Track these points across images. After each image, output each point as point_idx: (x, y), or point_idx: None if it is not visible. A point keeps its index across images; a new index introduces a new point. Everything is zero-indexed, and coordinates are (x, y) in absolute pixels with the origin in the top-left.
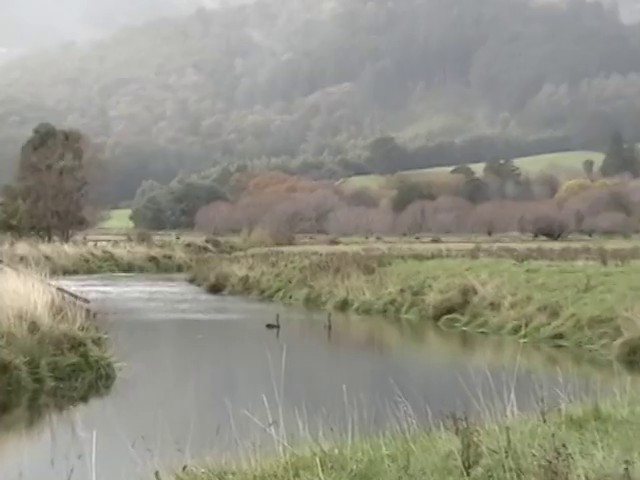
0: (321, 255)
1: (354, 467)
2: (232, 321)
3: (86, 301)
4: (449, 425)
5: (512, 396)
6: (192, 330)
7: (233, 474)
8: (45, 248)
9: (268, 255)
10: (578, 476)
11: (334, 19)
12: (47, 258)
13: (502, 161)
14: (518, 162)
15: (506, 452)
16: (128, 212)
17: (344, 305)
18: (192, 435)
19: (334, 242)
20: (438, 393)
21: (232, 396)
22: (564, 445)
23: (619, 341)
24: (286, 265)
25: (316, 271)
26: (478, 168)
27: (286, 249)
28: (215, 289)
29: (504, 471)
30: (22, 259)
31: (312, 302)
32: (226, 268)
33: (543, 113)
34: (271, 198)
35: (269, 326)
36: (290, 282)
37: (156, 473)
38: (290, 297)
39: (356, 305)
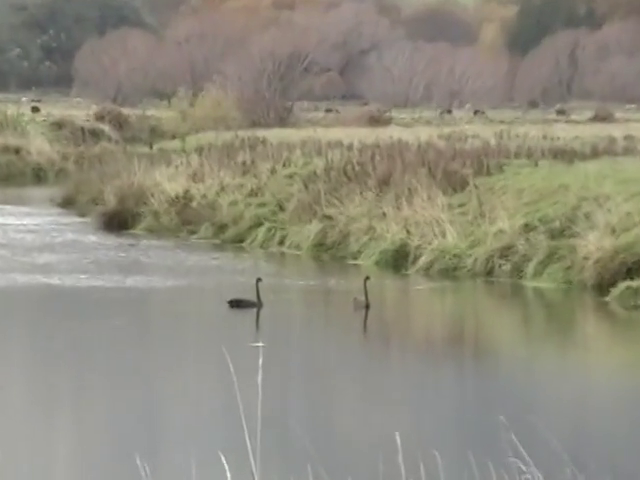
0: (350, 149)
1: None
2: (156, 292)
3: None
4: None
5: None
6: (68, 311)
7: None
8: None
9: (235, 149)
10: None
11: None
12: None
13: None
14: None
15: None
16: None
17: (399, 259)
18: None
19: (378, 121)
20: (613, 452)
21: (153, 455)
22: None
23: None
24: (274, 171)
25: (339, 185)
26: None
27: (274, 135)
28: (118, 222)
29: None
30: None
31: (329, 252)
32: (143, 177)
33: None
34: (240, 22)
35: (235, 304)
36: (281, 208)
37: None
38: (282, 241)
39: (425, 259)
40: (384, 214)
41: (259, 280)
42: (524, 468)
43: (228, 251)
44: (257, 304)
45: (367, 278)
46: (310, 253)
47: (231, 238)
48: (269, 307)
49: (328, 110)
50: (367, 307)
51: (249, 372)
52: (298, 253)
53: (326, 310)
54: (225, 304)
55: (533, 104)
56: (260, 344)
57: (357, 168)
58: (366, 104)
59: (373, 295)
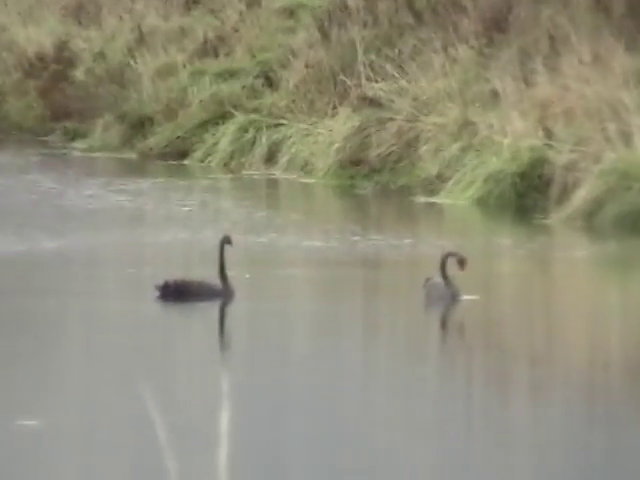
0: None
1: None
2: None
3: None
4: None
5: None
6: None
7: None
8: None
9: None
10: None
11: None
12: None
13: None
14: None
15: None
16: None
17: (528, 191)
18: None
19: None
20: None
21: None
22: None
23: None
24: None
25: (396, 30)
26: None
27: None
28: None
29: None
30: None
31: (374, 178)
32: None
33: None
34: None
35: (174, 292)
36: (270, 83)
37: None
38: (272, 155)
39: (586, 193)
40: (495, 94)
41: (226, 241)
42: None
43: (155, 175)
44: (221, 292)
45: (447, 255)
46: (333, 180)
47: (161, 148)
48: (246, 298)
49: None
50: (455, 298)
51: (199, 444)
52: (307, 181)
53: (365, 304)
54: (152, 291)
55: None
56: (224, 387)
57: None
58: None
59: (469, 271)
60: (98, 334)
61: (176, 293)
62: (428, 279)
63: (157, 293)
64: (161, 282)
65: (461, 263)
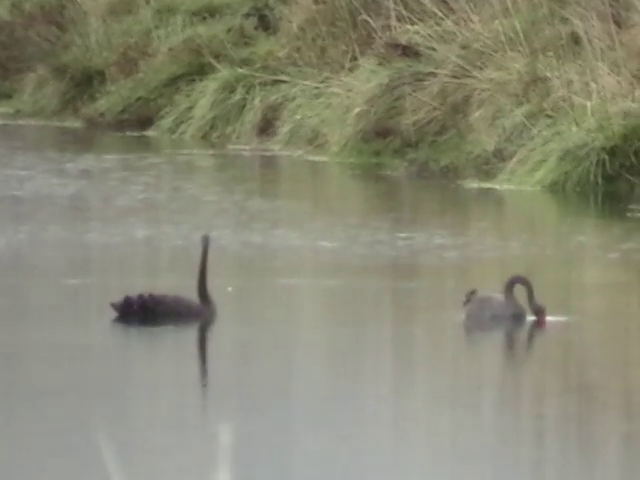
0: None
1: None
2: None
3: None
4: None
5: None
6: None
7: None
8: None
9: None
10: None
11: None
12: None
13: None
14: None
15: None
16: None
17: (621, 173)
18: None
19: None
20: None
21: None
22: None
23: None
24: None
25: None
26: None
27: None
28: None
29: None
30: None
31: (409, 154)
32: None
33: None
34: None
35: (136, 312)
36: (265, 24)
37: None
38: (267, 122)
39: None
40: (576, 39)
41: (205, 240)
42: None
43: (107, 150)
44: (200, 311)
45: (515, 280)
46: (352, 157)
47: (115, 114)
48: (232, 319)
49: None
50: (518, 319)
51: None
52: (316, 158)
53: (395, 329)
54: (106, 310)
55: None
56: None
57: None
58: None
59: (540, 281)
60: (30, 373)
61: (141, 313)
62: (472, 292)
63: (115, 313)
64: (120, 298)
65: (540, 314)
